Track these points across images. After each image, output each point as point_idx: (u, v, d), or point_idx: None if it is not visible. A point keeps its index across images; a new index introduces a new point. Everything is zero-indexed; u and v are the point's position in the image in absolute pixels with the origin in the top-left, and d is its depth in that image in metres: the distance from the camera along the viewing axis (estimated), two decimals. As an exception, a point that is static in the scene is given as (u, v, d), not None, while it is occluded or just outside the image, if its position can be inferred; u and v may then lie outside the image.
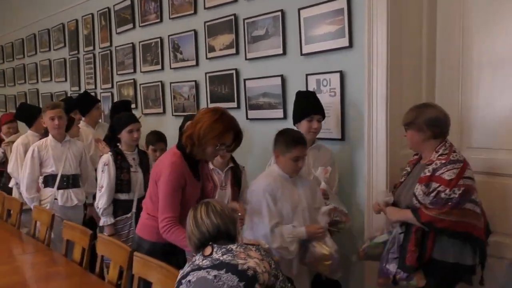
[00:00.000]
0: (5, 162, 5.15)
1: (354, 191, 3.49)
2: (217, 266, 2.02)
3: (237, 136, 2.69)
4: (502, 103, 3.02)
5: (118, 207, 3.55)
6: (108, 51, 6.15)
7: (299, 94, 3.42)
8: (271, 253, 2.41)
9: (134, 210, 3.56)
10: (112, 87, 6.17)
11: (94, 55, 6.49)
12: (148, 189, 2.84)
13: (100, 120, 5.35)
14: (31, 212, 3.98)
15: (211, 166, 3.25)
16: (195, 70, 4.82)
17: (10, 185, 4.83)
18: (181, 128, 3.52)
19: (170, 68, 5.13)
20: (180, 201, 2.64)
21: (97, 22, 6.36)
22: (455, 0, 3.22)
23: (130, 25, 5.67)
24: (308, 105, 3.31)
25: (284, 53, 3.89)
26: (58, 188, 4.06)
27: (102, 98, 6.29)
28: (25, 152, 4.25)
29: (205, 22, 4.59)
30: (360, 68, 3.34)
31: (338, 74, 3.49)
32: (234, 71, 4.34)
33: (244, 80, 4.24)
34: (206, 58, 4.64)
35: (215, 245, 2.11)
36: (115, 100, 6.05)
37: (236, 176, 3.36)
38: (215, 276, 2.00)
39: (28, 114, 4.93)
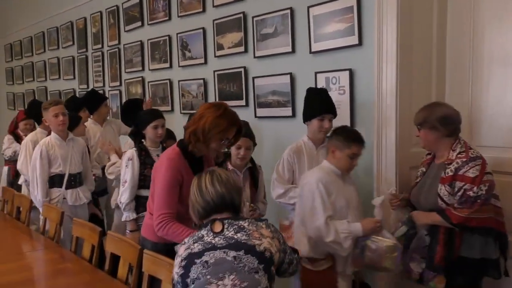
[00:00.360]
0: None
1: (363, 190, 3.47)
2: (234, 246, 1.98)
3: (238, 131, 2.68)
4: (513, 101, 3.01)
5: (140, 203, 3.48)
6: (117, 49, 6.16)
7: (310, 91, 3.32)
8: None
9: None
10: (121, 85, 6.18)
11: (103, 53, 6.50)
12: (150, 188, 2.80)
13: (108, 118, 5.36)
14: (39, 209, 4.00)
15: (229, 167, 3.24)
16: (203, 68, 4.82)
17: (19, 182, 4.85)
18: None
19: (179, 66, 5.13)
20: (178, 198, 2.60)
21: (105, 20, 6.37)
22: (465, -2, 3.21)
23: (139, 23, 5.67)
24: (319, 103, 3.21)
25: (293, 51, 3.88)
26: (67, 188, 4.03)
27: (110, 96, 6.31)
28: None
29: (213, 20, 4.59)
30: (370, 66, 3.33)
31: (347, 72, 3.48)
32: (242, 69, 4.33)
33: (253, 78, 4.24)
34: (215, 56, 4.64)
35: (225, 221, 2.06)
36: (123, 98, 6.07)
37: (254, 176, 3.35)
38: (234, 257, 1.96)
39: (37, 111, 4.93)
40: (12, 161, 5.49)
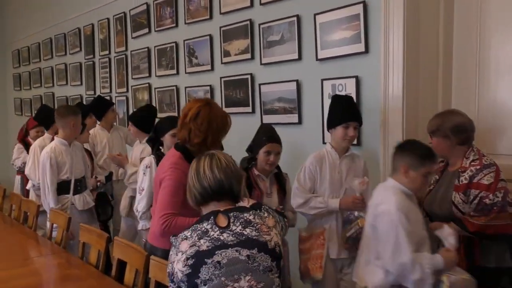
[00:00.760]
0: None
1: (370, 197, 3.47)
2: (245, 244, 1.90)
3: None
4: (520, 109, 3.01)
5: None
6: (124, 56, 6.20)
7: (335, 98, 3.25)
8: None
9: None
10: (127, 91, 6.22)
11: (110, 59, 6.55)
12: (154, 195, 2.77)
13: (114, 123, 5.38)
14: (46, 214, 4.01)
15: (256, 172, 3.20)
16: (210, 75, 4.84)
17: (27, 187, 4.87)
18: None
19: (185, 73, 5.16)
20: (181, 202, 2.49)
21: (113, 26, 6.42)
22: (472, 5, 3.21)
23: (146, 30, 5.71)
24: (345, 110, 3.11)
25: (300, 58, 3.89)
26: (74, 194, 4.04)
27: (117, 102, 6.34)
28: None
29: (220, 27, 4.61)
30: (376, 74, 3.33)
31: (353, 80, 3.49)
32: (249, 76, 4.35)
33: (259, 84, 4.25)
34: (221, 63, 4.66)
35: (230, 214, 1.97)
36: (130, 104, 6.10)
37: (280, 182, 3.29)
38: (248, 256, 1.88)
39: (45, 116, 4.95)
40: (23, 171, 5.45)
